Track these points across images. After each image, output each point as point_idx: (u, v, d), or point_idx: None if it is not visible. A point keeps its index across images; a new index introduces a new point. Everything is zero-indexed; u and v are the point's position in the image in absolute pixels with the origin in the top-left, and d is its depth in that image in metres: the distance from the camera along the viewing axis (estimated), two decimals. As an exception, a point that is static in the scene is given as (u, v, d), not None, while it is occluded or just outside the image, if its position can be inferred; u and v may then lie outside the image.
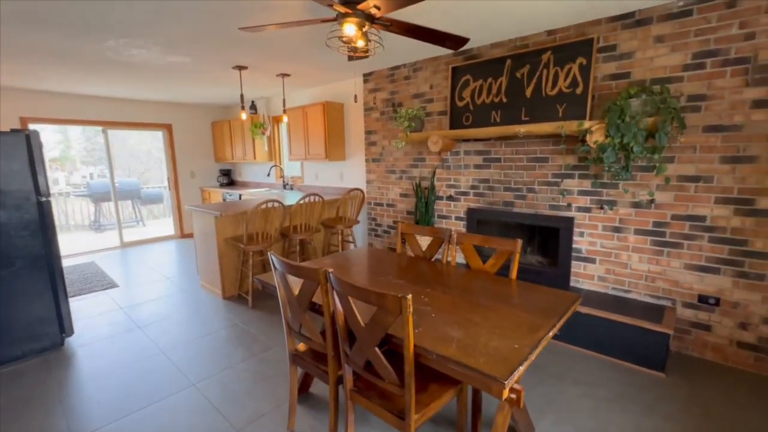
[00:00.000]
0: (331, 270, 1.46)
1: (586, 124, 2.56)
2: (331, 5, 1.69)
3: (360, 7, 1.73)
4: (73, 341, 2.93)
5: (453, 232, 2.25)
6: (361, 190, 4.45)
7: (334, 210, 4.68)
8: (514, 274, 2.00)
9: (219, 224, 3.64)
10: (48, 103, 5.16)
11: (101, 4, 2.29)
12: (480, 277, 2.00)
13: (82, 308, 3.56)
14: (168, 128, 6.35)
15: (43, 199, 2.69)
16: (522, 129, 2.86)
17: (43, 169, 2.70)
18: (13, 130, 2.57)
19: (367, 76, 4.34)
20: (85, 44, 3.05)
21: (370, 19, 1.82)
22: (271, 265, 1.77)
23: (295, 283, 1.74)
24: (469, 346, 1.27)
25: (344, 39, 1.88)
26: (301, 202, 3.83)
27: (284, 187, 5.90)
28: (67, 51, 3.22)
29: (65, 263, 4.94)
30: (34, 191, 2.64)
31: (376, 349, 1.36)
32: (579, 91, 2.77)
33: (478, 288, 1.84)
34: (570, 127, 2.63)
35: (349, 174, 4.94)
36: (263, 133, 5.61)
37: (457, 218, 3.74)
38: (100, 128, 5.73)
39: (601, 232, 2.86)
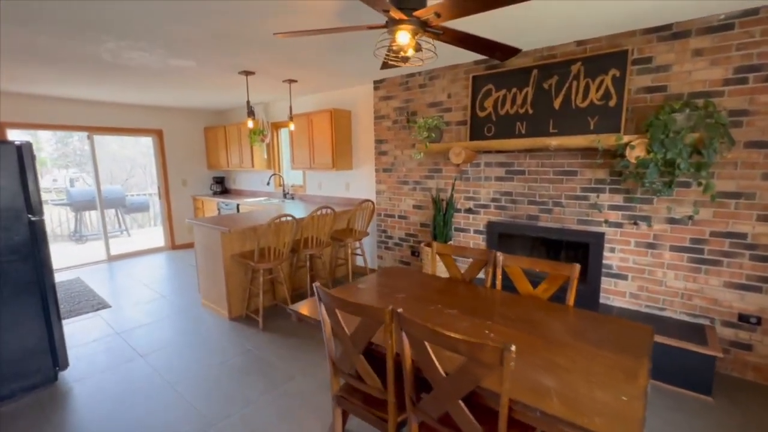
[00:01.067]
0: (400, 309, 1.29)
1: (625, 138, 2.47)
2: (386, 11, 1.53)
3: (417, 14, 1.58)
4: (68, 375, 2.63)
5: (498, 255, 2.11)
6: (372, 202, 4.27)
7: (344, 222, 4.48)
8: (571, 301, 1.87)
9: (226, 240, 3.39)
10: (28, 107, 4.75)
11: (104, 2, 2.05)
12: (535, 305, 1.86)
13: (73, 333, 3.24)
14: (158, 134, 6.00)
15: (36, 218, 2.41)
16: (554, 141, 2.75)
17: (36, 184, 2.42)
18: (1, 142, 2.29)
19: (377, 84, 4.17)
20: (80, 45, 2.77)
21: (423, 26, 1.66)
22: (317, 298, 1.58)
23: (347, 319, 1.56)
24: (572, 400, 1.12)
25: (394, 47, 1.71)
26: (314, 215, 3.62)
27: (284, 196, 5.65)
28: (59, 52, 2.93)
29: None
30: (25, 209, 2.36)
31: (460, 402, 1.20)
32: (612, 103, 2.69)
33: (541, 319, 1.69)
34: (607, 141, 2.54)
35: (356, 184, 4.76)
36: (263, 140, 5.36)
37: (476, 231, 3.62)
38: (77, 132, 5.34)
39: (634, 248, 2.78)
